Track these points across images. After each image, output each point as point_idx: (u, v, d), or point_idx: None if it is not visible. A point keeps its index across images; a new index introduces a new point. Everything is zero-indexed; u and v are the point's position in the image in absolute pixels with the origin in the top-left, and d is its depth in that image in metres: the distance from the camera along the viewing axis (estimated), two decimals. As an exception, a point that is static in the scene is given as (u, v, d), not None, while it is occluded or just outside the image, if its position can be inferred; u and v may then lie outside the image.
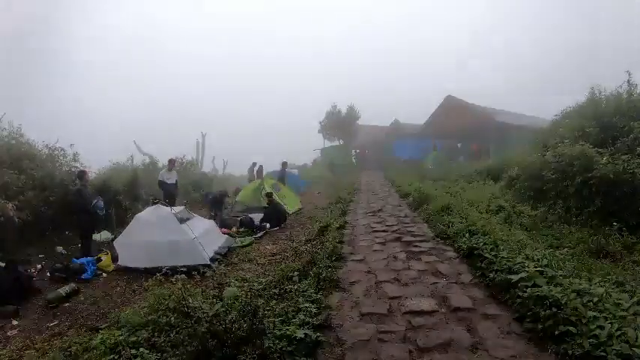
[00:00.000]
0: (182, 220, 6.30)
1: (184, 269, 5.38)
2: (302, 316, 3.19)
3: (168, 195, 8.91)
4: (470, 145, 24.26)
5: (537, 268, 3.50)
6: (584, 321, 2.66)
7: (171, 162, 9.59)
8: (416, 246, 5.58)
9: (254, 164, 17.88)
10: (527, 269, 3.48)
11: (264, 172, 16.70)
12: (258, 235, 8.22)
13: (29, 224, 7.06)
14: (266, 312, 3.03)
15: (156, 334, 3.07)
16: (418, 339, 2.95)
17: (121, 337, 3.05)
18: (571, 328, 2.64)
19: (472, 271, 4.35)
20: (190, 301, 2.89)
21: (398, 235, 6.29)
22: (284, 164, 15.18)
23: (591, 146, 7.47)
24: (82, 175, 7.42)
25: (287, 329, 2.91)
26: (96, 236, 7.67)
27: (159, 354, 2.75)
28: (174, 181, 9.37)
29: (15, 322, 4.47)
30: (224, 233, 7.75)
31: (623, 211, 6.16)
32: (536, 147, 10.73)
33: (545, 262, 3.78)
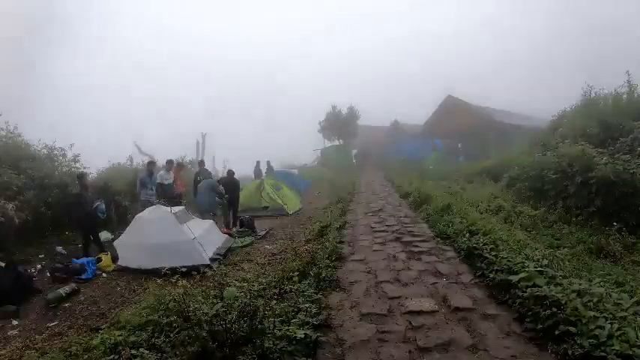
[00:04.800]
0: (182, 221, 6.30)
1: (184, 269, 5.38)
2: (302, 316, 3.19)
3: (165, 196, 8.89)
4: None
5: (537, 268, 3.50)
6: (584, 321, 2.66)
7: (170, 163, 9.61)
8: (416, 246, 5.58)
9: (258, 163, 18.04)
10: (527, 269, 3.48)
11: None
12: (259, 234, 8.23)
13: (29, 224, 7.06)
14: (266, 312, 3.02)
15: (156, 334, 3.07)
16: (418, 339, 2.95)
17: (120, 337, 3.05)
18: (571, 328, 2.64)
19: (472, 271, 4.35)
20: (191, 305, 2.88)
21: (398, 235, 6.30)
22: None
23: (591, 146, 7.48)
24: (81, 177, 7.41)
25: (287, 329, 2.91)
26: (105, 235, 7.70)
27: (159, 354, 2.75)
28: (171, 182, 9.38)
29: (15, 322, 4.47)
30: (224, 233, 7.76)
31: (623, 211, 6.17)
32: (536, 147, 10.76)
33: (545, 262, 3.78)
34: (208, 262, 5.75)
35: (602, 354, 2.37)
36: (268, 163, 18.34)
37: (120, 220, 8.59)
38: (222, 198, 8.80)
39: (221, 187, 8.84)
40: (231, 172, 10.05)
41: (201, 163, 10.59)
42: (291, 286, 3.96)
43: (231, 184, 9.43)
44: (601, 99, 9.84)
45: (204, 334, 2.65)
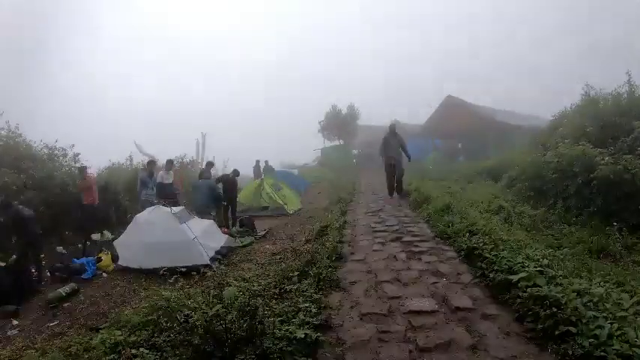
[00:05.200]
0: (182, 221, 6.30)
1: (184, 269, 5.39)
2: (302, 316, 3.18)
3: (165, 196, 8.91)
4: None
5: (537, 268, 3.49)
6: (584, 321, 2.66)
7: (170, 163, 9.65)
8: (416, 246, 5.57)
9: (257, 162, 18.15)
10: (527, 269, 3.48)
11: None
12: (259, 234, 8.23)
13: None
14: (266, 312, 3.03)
15: (156, 334, 3.07)
16: (418, 339, 2.95)
17: (121, 337, 3.05)
18: (571, 328, 2.64)
19: (472, 271, 4.35)
20: (189, 302, 2.88)
21: (398, 235, 6.29)
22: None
23: (592, 146, 7.47)
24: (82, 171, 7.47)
25: (287, 329, 2.91)
26: (96, 236, 7.70)
27: (159, 354, 2.75)
28: (171, 182, 9.41)
29: (15, 322, 4.48)
30: (224, 233, 7.76)
31: (624, 211, 6.17)
32: (536, 147, 10.76)
33: (545, 262, 3.77)
34: (208, 262, 5.75)
35: (603, 354, 2.37)
36: (266, 162, 18.43)
37: (120, 220, 8.59)
38: (219, 200, 8.80)
39: (219, 188, 8.84)
40: (236, 172, 10.04)
41: (209, 164, 10.47)
42: (291, 286, 3.96)
43: (229, 182, 9.43)
44: (601, 99, 9.84)
45: (201, 331, 2.64)
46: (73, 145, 9.10)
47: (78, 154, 9.12)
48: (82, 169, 7.92)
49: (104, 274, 6.04)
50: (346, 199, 11.21)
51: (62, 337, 3.87)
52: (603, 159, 6.79)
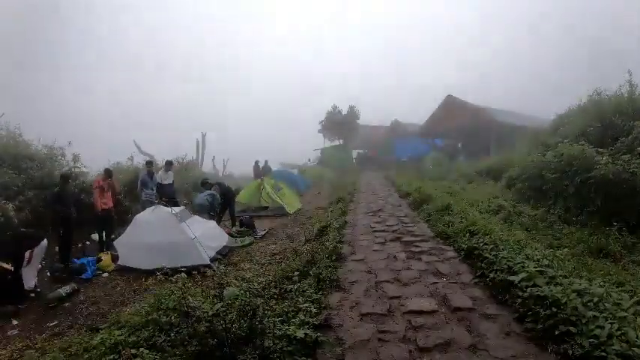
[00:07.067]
0: (182, 221, 6.30)
1: (184, 269, 5.38)
2: (302, 316, 3.19)
3: (165, 196, 8.90)
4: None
5: (537, 268, 3.50)
6: (584, 321, 2.66)
7: (169, 163, 9.66)
8: (416, 246, 5.57)
9: (257, 162, 18.18)
10: (527, 269, 3.48)
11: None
12: (259, 234, 8.23)
13: (29, 224, 7.05)
14: (266, 312, 3.02)
15: (156, 333, 3.06)
16: (418, 339, 2.95)
17: (121, 337, 3.05)
18: (571, 328, 2.64)
19: (472, 271, 4.35)
20: (190, 299, 2.88)
21: (398, 235, 6.29)
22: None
23: (591, 146, 7.48)
24: (65, 177, 6.96)
25: (287, 329, 2.91)
26: (95, 236, 7.70)
27: (159, 354, 2.75)
28: (170, 182, 9.40)
29: (15, 322, 4.48)
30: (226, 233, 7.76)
31: (623, 211, 6.17)
32: (536, 147, 10.77)
33: (545, 262, 3.78)
34: (208, 262, 5.75)
35: (602, 354, 2.37)
36: (266, 162, 18.44)
37: (120, 220, 8.59)
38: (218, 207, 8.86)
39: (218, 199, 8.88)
40: (207, 186, 9.49)
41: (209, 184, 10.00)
42: (291, 286, 3.96)
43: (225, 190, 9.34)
44: (601, 99, 9.85)
45: (203, 329, 2.65)
46: (70, 142, 9.11)
47: (78, 154, 9.11)
48: (109, 171, 7.73)
49: (104, 274, 6.04)
50: (346, 199, 11.21)
51: (62, 337, 3.87)
52: (602, 159, 6.80)
